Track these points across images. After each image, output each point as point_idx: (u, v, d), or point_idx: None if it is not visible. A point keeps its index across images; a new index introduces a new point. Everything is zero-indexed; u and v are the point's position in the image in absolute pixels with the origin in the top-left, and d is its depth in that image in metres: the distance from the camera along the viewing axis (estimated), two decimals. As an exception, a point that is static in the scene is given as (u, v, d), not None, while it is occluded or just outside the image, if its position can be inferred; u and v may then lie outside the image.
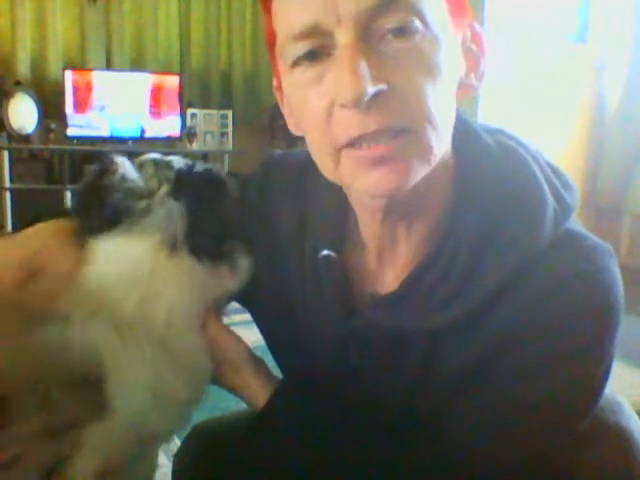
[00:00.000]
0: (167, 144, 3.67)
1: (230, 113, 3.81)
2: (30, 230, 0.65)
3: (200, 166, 0.69)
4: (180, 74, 3.68)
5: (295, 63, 0.57)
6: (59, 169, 3.32)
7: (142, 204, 0.63)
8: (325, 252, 0.68)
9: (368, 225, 0.67)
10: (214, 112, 3.79)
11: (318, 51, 0.55)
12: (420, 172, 0.57)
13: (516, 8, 3.19)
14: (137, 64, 3.68)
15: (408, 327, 0.64)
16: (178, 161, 0.69)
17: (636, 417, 0.69)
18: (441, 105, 0.57)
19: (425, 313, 0.63)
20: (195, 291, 0.64)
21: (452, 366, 0.63)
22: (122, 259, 0.61)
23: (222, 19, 3.90)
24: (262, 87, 3.98)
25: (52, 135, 3.28)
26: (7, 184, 3.11)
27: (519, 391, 0.60)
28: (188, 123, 3.66)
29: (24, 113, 3.18)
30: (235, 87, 3.96)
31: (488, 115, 3.01)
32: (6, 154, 3.12)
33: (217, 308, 0.70)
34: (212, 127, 3.78)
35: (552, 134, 3.45)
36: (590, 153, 3.83)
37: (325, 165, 0.61)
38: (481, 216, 0.61)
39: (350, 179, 0.59)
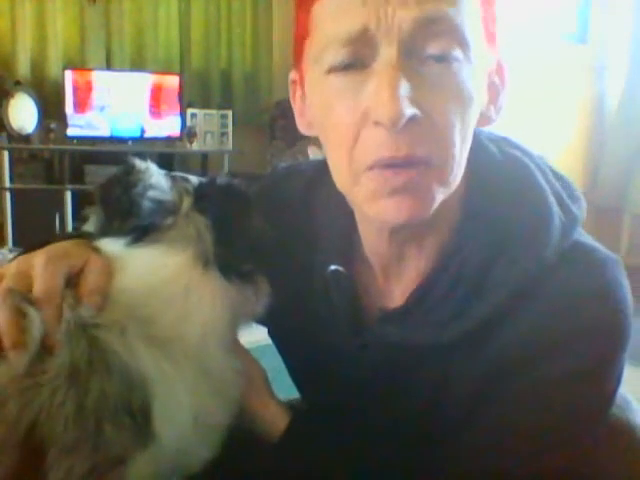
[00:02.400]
0: (167, 144, 3.68)
1: (230, 113, 3.80)
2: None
3: (221, 179, 0.65)
4: (180, 74, 3.67)
5: (332, 69, 0.56)
6: (59, 169, 3.31)
7: (170, 217, 0.59)
8: (333, 267, 0.67)
9: (373, 241, 0.66)
10: (214, 112, 3.78)
11: (358, 61, 0.54)
12: (437, 202, 0.57)
13: (516, 8, 3.19)
14: (137, 64, 3.67)
15: (416, 342, 0.63)
16: (190, 177, 0.65)
17: None
18: (465, 136, 0.57)
19: (432, 328, 0.62)
20: (227, 311, 0.60)
21: (467, 381, 0.62)
22: (156, 272, 0.57)
23: (222, 19, 3.89)
24: (262, 87, 3.98)
25: (52, 135, 3.27)
26: (7, 184, 3.11)
27: (534, 406, 0.59)
28: (188, 123, 3.65)
29: (24, 113, 3.18)
30: (235, 87, 3.96)
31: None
32: (6, 154, 3.12)
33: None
34: (212, 127, 3.77)
35: (552, 134, 3.45)
36: (590, 153, 3.83)
37: (342, 180, 0.60)
38: (487, 230, 0.61)
39: (365, 201, 0.58)
